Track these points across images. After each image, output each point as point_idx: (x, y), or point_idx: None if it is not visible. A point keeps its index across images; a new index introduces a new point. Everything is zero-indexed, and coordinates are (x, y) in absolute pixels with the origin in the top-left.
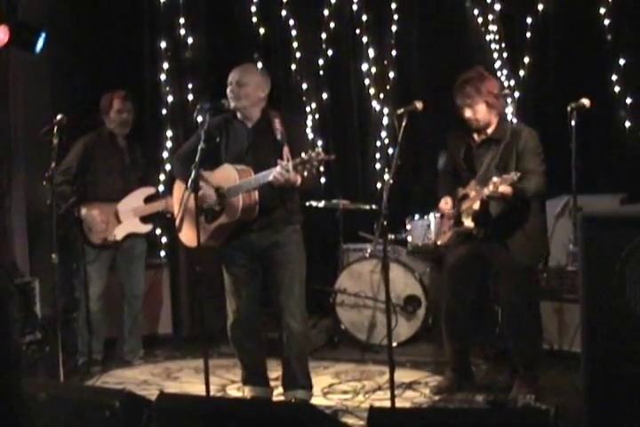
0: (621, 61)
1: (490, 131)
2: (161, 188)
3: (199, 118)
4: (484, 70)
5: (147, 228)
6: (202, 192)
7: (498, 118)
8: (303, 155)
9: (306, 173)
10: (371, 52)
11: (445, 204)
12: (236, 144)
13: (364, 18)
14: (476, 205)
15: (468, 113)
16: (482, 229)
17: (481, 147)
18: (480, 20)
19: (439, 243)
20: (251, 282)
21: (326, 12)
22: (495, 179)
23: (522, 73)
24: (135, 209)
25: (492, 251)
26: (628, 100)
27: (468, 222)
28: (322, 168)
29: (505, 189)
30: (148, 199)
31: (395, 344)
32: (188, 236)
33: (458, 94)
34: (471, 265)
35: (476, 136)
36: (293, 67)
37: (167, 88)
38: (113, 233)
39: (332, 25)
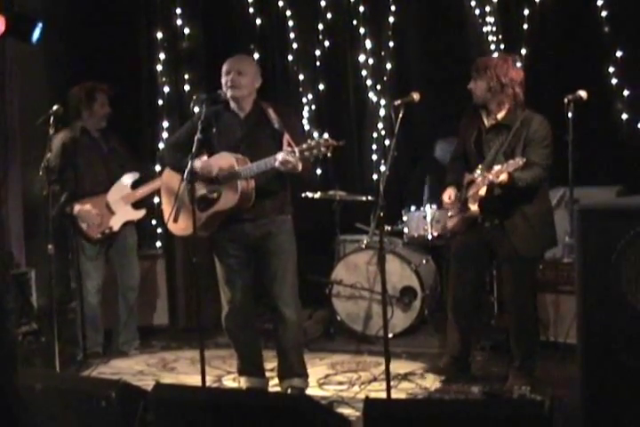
0: (619, 53)
1: (500, 116)
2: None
3: (196, 109)
4: (513, 59)
5: (140, 213)
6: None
7: (509, 105)
8: (310, 140)
9: (312, 159)
10: (368, 44)
11: (448, 197)
12: (229, 135)
13: (362, 9)
14: (482, 191)
15: (470, 84)
16: (487, 216)
17: (490, 132)
18: (477, 11)
19: (448, 227)
20: (244, 272)
21: (323, 3)
22: (497, 166)
23: (519, 64)
24: (125, 197)
25: (497, 239)
26: (626, 93)
27: (474, 207)
28: (329, 154)
29: (504, 176)
30: (134, 185)
31: (390, 335)
32: (179, 225)
33: (472, 66)
34: (477, 253)
35: (486, 120)
36: (290, 57)
37: (164, 79)
38: (109, 225)
39: (329, 16)
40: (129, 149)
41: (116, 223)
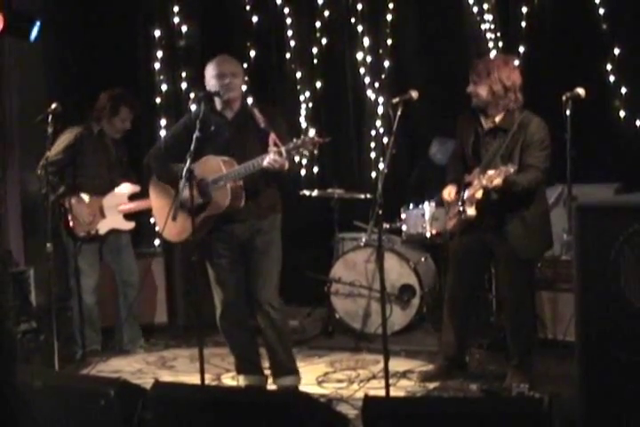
0: (617, 51)
1: (498, 119)
2: None
3: (193, 107)
4: (514, 61)
5: (129, 225)
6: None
7: (508, 109)
8: (295, 139)
9: (297, 158)
10: (366, 41)
11: (449, 194)
12: (218, 137)
13: (359, 6)
14: (479, 194)
15: (469, 88)
16: (485, 219)
17: (488, 135)
18: (475, 9)
19: (446, 228)
20: (235, 271)
21: (321, 1)
22: (491, 172)
23: (517, 62)
24: (119, 205)
25: (495, 241)
26: (623, 90)
27: (471, 211)
28: (316, 152)
29: (497, 181)
30: (131, 197)
31: (389, 333)
32: (174, 231)
33: (470, 68)
34: (475, 253)
35: (484, 123)
36: (287, 55)
37: (161, 77)
38: (96, 227)
39: (326, 13)
40: (134, 166)
41: (103, 227)
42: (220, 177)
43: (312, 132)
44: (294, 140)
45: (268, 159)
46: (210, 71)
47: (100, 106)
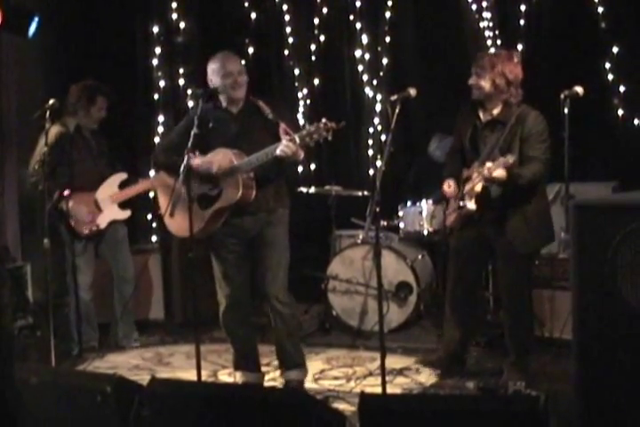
0: (615, 49)
1: (495, 112)
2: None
3: (190, 103)
4: (516, 56)
5: (126, 214)
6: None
7: (507, 102)
8: (308, 126)
9: (312, 145)
10: (364, 39)
11: (448, 187)
12: (224, 131)
13: (358, 4)
14: (478, 188)
15: (472, 80)
16: (483, 213)
17: (486, 128)
18: (474, 6)
19: (446, 223)
20: (242, 267)
21: None
22: (489, 164)
23: (515, 60)
24: (112, 196)
25: (494, 235)
26: (622, 88)
27: (471, 205)
28: (329, 138)
29: (500, 173)
30: (122, 185)
31: (386, 331)
32: (181, 226)
33: (474, 60)
34: (475, 248)
35: (482, 116)
36: (286, 52)
37: (159, 73)
38: (96, 223)
39: (324, 10)
40: (117, 154)
41: (102, 221)
42: (231, 169)
43: (324, 119)
44: (307, 126)
45: (282, 147)
46: (216, 70)
47: (74, 99)
